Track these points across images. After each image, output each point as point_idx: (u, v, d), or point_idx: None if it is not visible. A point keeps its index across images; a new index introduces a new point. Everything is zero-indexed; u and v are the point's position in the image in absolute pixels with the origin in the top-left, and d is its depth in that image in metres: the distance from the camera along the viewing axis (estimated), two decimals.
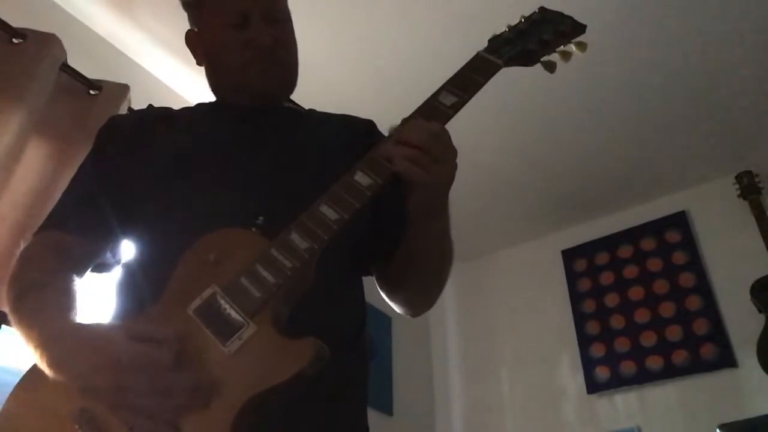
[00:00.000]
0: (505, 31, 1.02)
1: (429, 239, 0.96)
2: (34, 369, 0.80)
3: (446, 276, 1.04)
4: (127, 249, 1.02)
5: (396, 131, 0.87)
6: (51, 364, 0.77)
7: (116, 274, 1.01)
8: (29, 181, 1.76)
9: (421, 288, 1.06)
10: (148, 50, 2.33)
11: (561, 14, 1.04)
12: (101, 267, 1.03)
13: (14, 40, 1.83)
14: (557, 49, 1.01)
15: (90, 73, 2.00)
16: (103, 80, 2.00)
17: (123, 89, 2.02)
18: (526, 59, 1.00)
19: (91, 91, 1.98)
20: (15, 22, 1.85)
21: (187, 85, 2.44)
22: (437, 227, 0.95)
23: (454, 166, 0.87)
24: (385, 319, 2.98)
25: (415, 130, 0.85)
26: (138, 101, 2.06)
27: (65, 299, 0.87)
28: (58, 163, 1.83)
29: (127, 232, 1.00)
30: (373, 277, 1.11)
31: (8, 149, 1.69)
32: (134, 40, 2.30)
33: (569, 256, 3.25)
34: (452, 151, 0.86)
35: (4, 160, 1.68)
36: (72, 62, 1.95)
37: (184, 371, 0.73)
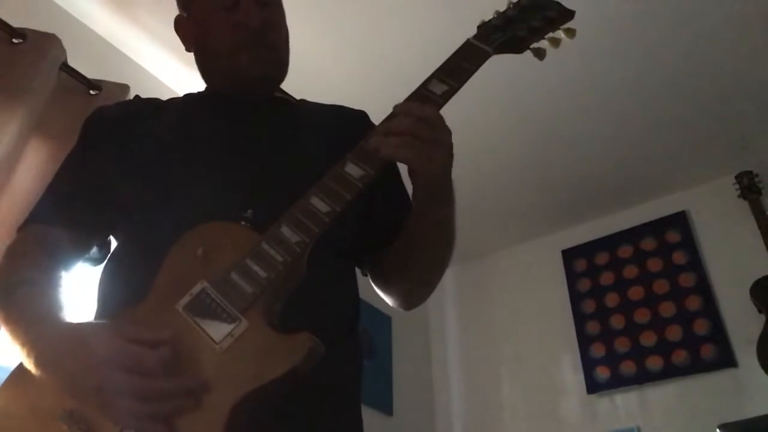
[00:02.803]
0: (494, 17, 1.01)
1: (433, 225, 0.94)
2: (22, 367, 0.79)
3: (446, 265, 1.02)
4: (114, 241, 1.00)
5: (382, 123, 0.85)
6: (38, 363, 0.76)
7: (100, 267, 0.99)
8: (29, 181, 1.76)
9: (421, 276, 1.04)
10: (148, 50, 2.33)
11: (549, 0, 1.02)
12: (94, 260, 1.02)
13: (14, 40, 1.83)
14: (546, 36, 1.00)
15: (90, 73, 2.00)
16: (103, 80, 2.01)
17: (123, 89, 2.02)
18: (516, 46, 0.99)
19: (91, 91, 1.98)
20: (15, 22, 1.85)
21: (187, 85, 2.43)
22: (443, 213, 0.93)
23: (448, 146, 0.85)
24: (385, 319, 2.98)
25: (400, 117, 0.84)
26: None
27: (52, 297, 0.86)
28: (58, 163, 1.81)
29: (113, 224, 0.99)
30: (364, 270, 1.09)
31: (8, 149, 1.69)
32: (134, 40, 2.30)
33: (569, 256, 3.25)
34: (443, 131, 0.84)
35: (4, 160, 1.68)
36: (72, 62, 1.95)
37: (174, 376, 0.72)
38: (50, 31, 1.88)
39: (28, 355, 0.77)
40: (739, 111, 2.65)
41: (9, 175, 1.71)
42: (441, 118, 0.85)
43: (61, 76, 1.91)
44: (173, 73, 2.41)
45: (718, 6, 2.23)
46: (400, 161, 0.83)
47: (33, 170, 1.79)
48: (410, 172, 0.86)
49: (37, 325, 0.80)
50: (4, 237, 1.66)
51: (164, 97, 2.49)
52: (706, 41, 2.36)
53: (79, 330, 0.78)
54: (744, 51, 2.39)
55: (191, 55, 1.14)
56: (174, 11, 1.15)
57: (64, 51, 1.91)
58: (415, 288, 1.07)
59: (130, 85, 2.04)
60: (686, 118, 2.69)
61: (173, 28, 1.14)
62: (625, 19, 2.27)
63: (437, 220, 0.93)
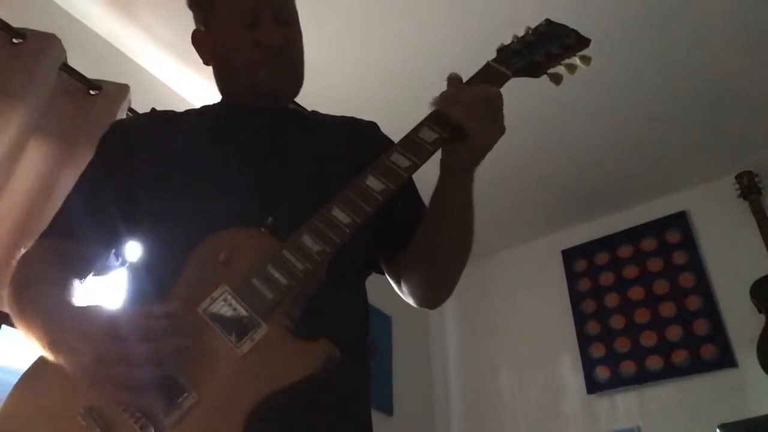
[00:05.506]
0: (513, 41, 1.04)
1: (464, 200, 0.97)
2: (34, 368, 0.80)
3: (469, 249, 1.02)
4: (133, 250, 1.01)
5: (449, 90, 0.91)
6: (53, 346, 0.77)
7: (123, 275, 1.00)
8: (29, 182, 1.76)
9: (443, 263, 1.02)
10: (148, 50, 2.33)
11: (566, 27, 1.05)
12: (102, 270, 1.03)
13: (14, 40, 1.83)
14: (563, 62, 1.03)
15: (90, 73, 2.00)
16: (103, 80, 2.01)
17: (123, 89, 2.02)
18: (534, 71, 1.02)
19: (91, 91, 1.98)
20: (15, 22, 1.85)
21: (187, 85, 2.43)
22: (471, 189, 0.96)
23: (503, 130, 0.90)
24: (385, 319, 2.98)
25: (470, 88, 0.90)
26: (138, 101, 2.06)
27: (65, 292, 0.87)
28: (58, 164, 1.83)
29: (132, 233, 1.00)
30: (384, 273, 1.09)
31: (8, 149, 1.69)
32: (134, 40, 2.30)
33: (569, 256, 3.25)
34: (502, 115, 0.89)
35: (4, 161, 1.68)
36: (72, 62, 1.95)
37: (179, 336, 0.74)
38: (50, 31, 1.87)
39: (46, 344, 0.78)
40: (738, 111, 2.65)
41: (9, 175, 1.71)
42: (502, 101, 0.90)
43: (61, 76, 1.91)
44: (173, 73, 2.41)
45: (719, 8, 2.23)
46: (465, 128, 0.86)
47: (33, 170, 1.79)
48: (461, 142, 0.89)
49: (51, 313, 0.82)
50: (4, 237, 1.66)
51: (165, 97, 2.48)
52: (705, 41, 2.36)
53: (90, 311, 0.80)
54: (743, 51, 2.39)
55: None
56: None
57: (64, 51, 1.91)
58: (438, 278, 1.05)
59: (130, 85, 2.04)
60: (686, 118, 2.69)
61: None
62: (624, 21, 2.27)
63: (464, 186, 0.96)
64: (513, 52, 1.02)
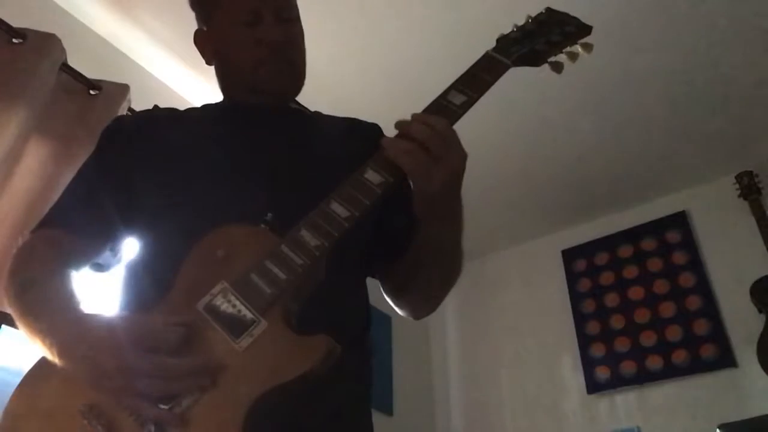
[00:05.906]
0: (513, 30, 1.02)
1: (436, 245, 0.95)
2: (37, 368, 0.80)
3: (451, 285, 1.04)
4: (132, 246, 1.01)
5: (400, 124, 0.86)
6: (59, 351, 0.77)
7: (121, 271, 1.00)
8: (29, 181, 1.76)
9: (424, 294, 1.06)
10: (148, 50, 2.33)
11: (567, 15, 1.04)
12: (100, 266, 1.03)
13: (14, 40, 1.83)
14: (564, 50, 1.01)
15: (90, 73, 2.00)
16: (103, 80, 2.01)
17: (123, 89, 2.02)
18: (534, 59, 1.00)
19: (91, 91, 1.98)
20: (15, 22, 1.85)
21: (187, 85, 2.43)
22: (446, 234, 0.94)
23: (457, 167, 0.84)
24: (385, 319, 2.98)
25: (415, 124, 0.84)
26: (138, 101, 2.06)
27: (67, 291, 0.88)
28: (58, 163, 1.83)
29: (131, 229, 1.00)
30: (376, 279, 1.10)
31: (8, 149, 1.69)
32: (134, 40, 2.30)
33: (569, 256, 3.25)
34: (455, 152, 0.84)
35: (4, 160, 1.68)
36: (72, 62, 1.96)
37: (188, 355, 0.74)
38: (50, 31, 1.87)
39: (50, 346, 0.78)
40: (739, 111, 2.65)
41: (9, 175, 1.71)
42: (455, 137, 0.84)
43: (61, 76, 1.91)
44: (173, 73, 2.41)
45: (719, 7, 2.23)
46: (401, 167, 0.83)
47: (33, 170, 1.79)
48: (410, 182, 0.86)
49: (57, 317, 0.82)
50: (4, 237, 1.66)
51: (165, 97, 2.49)
52: (706, 42, 2.36)
53: (97, 318, 0.80)
54: (743, 51, 2.39)
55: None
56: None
57: (64, 51, 1.91)
58: (417, 303, 1.09)
59: (130, 85, 2.04)
60: (686, 118, 2.69)
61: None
62: (625, 20, 2.27)
63: (439, 239, 0.93)
64: (512, 41, 1.00)
